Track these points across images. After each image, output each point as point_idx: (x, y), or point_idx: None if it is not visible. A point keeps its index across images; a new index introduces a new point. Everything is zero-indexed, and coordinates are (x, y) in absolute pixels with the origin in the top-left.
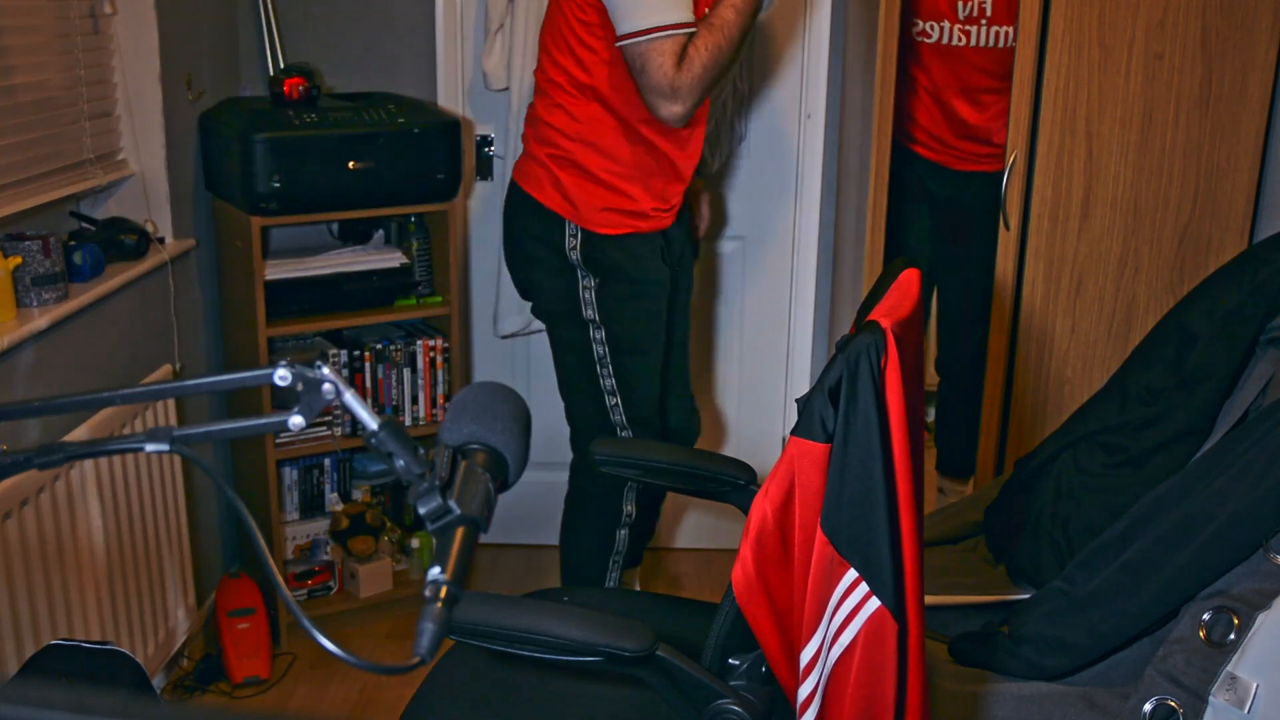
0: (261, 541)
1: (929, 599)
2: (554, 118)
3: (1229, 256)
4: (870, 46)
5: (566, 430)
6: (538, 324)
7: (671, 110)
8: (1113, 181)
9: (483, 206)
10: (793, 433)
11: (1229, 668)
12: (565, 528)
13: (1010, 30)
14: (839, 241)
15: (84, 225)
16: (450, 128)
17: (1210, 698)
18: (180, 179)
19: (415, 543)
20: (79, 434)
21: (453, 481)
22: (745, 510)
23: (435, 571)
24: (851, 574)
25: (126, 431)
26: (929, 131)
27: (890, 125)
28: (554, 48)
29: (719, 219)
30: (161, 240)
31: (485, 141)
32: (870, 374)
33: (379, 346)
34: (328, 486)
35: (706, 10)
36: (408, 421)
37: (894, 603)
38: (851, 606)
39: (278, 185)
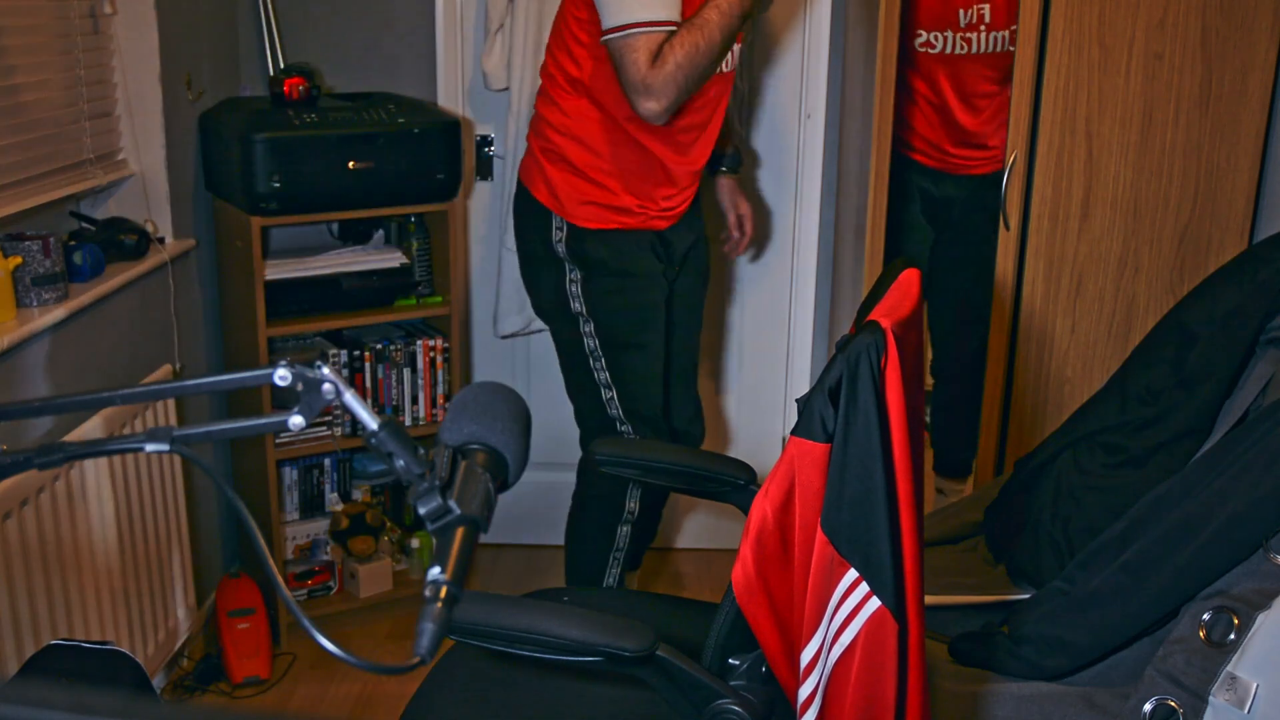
0: (261, 541)
1: (929, 599)
2: (547, 112)
3: (1229, 256)
4: (870, 53)
5: (567, 430)
6: (538, 324)
7: (647, 106)
8: (1113, 181)
9: (483, 206)
10: (793, 433)
11: (1229, 668)
12: (569, 524)
13: (1007, 34)
14: (839, 242)
15: (84, 225)
16: (450, 128)
17: (1210, 698)
18: (180, 179)
19: (415, 543)
20: (79, 434)
21: (453, 481)
22: (745, 510)
23: (435, 571)
24: (852, 574)
25: (126, 431)
26: (927, 140)
27: (890, 125)
28: (554, 43)
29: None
30: (161, 240)
31: (485, 141)
32: (870, 374)
33: (379, 346)
34: (328, 486)
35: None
36: (408, 421)
37: (894, 603)
38: (852, 606)
39: (278, 185)
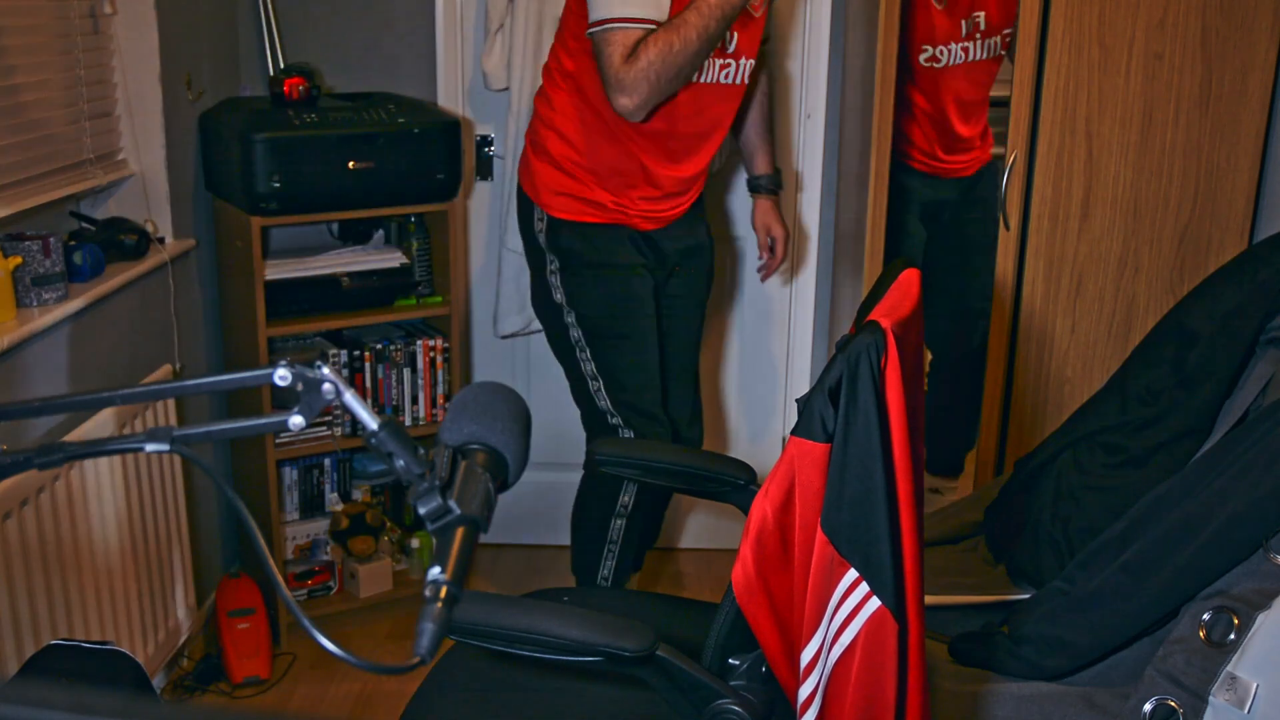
0: (261, 541)
1: (929, 599)
2: (540, 105)
3: (1229, 256)
4: (870, 53)
5: (567, 430)
6: (538, 324)
7: (620, 102)
8: (1113, 181)
9: (483, 206)
10: (793, 433)
11: (1229, 668)
12: (571, 517)
13: (998, 39)
14: (839, 242)
15: (84, 225)
16: (450, 128)
17: (1210, 698)
18: (180, 179)
19: (415, 543)
20: (79, 434)
21: (453, 481)
22: (745, 510)
23: (435, 571)
24: (852, 574)
25: (126, 431)
26: (923, 149)
27: (890, 124)
28: (557, 38)
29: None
30: (161, 240)
31: (485, 141)
32: (870, 374)
33: (379, 346)
34: (328, 486)
35: None
36: (408, 421)
37: (894, 603)
38: (852, 606)
39: (278, 185)
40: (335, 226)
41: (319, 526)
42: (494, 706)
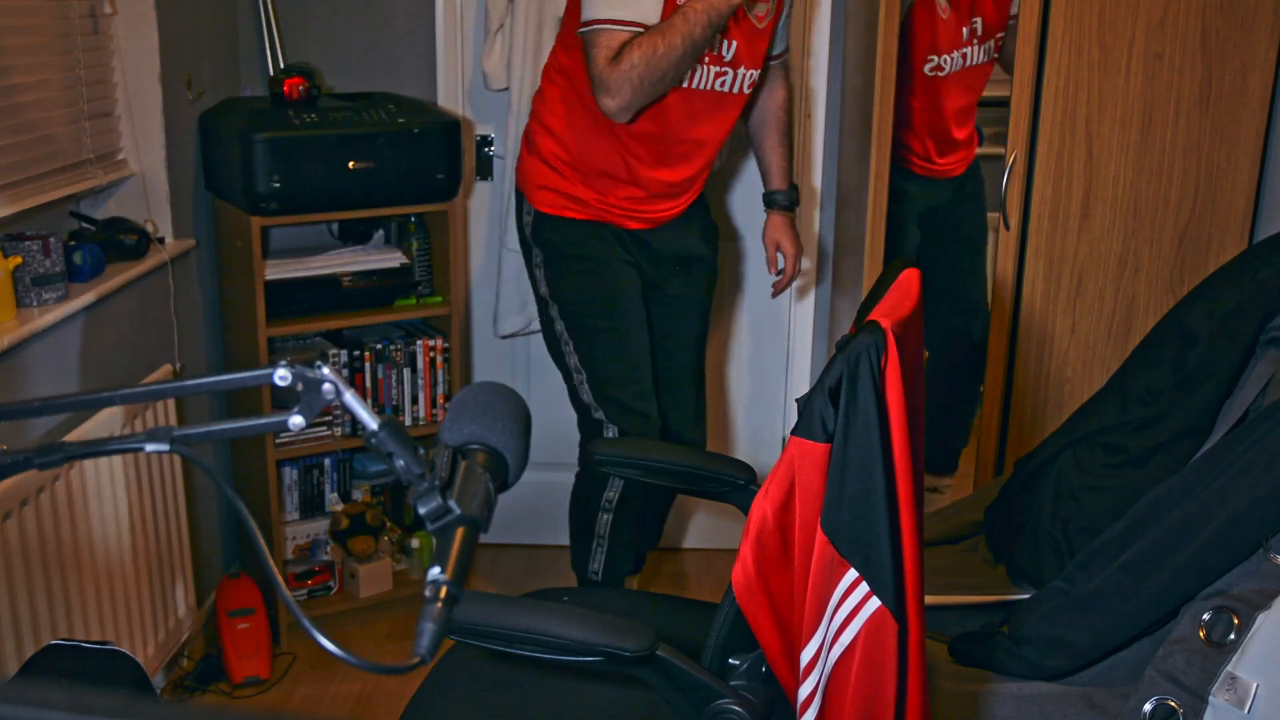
0: (261, 541)
1: (929, 599)
2: (536, 101)
3: (1229, 256)
4: (870, 53)
5: (567, 430)
6: (537, 324)
7: (604, 102)
8: (1113, 181)
9: (483, 206)
10: (793, 433)
11: (1229, 668)
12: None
13: (992, 43)
14: (839, 242)
15: (84, 225)
16: (450, 128)
17: (1210, 698)
18: (180, 179)
19: (415, 543)
20: (79, 434)
21: (453, 481)
22: (745, 510)
23: (435, 571)
24: (852, 574)
25: (126, 431)
26: (918, 153)
27: (890, 124)
28: (558, 35)
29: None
30: (161, 240)
31: (485, 141)
32: (870, 374)
33: (379, 346)
34: (328, 486)
35: None
36: (408, 421)
37: (894, 603)
38: (852, 606)
39: (278, 185)
40: (335, 226)
41: (319, 526)
42: (494, 706)
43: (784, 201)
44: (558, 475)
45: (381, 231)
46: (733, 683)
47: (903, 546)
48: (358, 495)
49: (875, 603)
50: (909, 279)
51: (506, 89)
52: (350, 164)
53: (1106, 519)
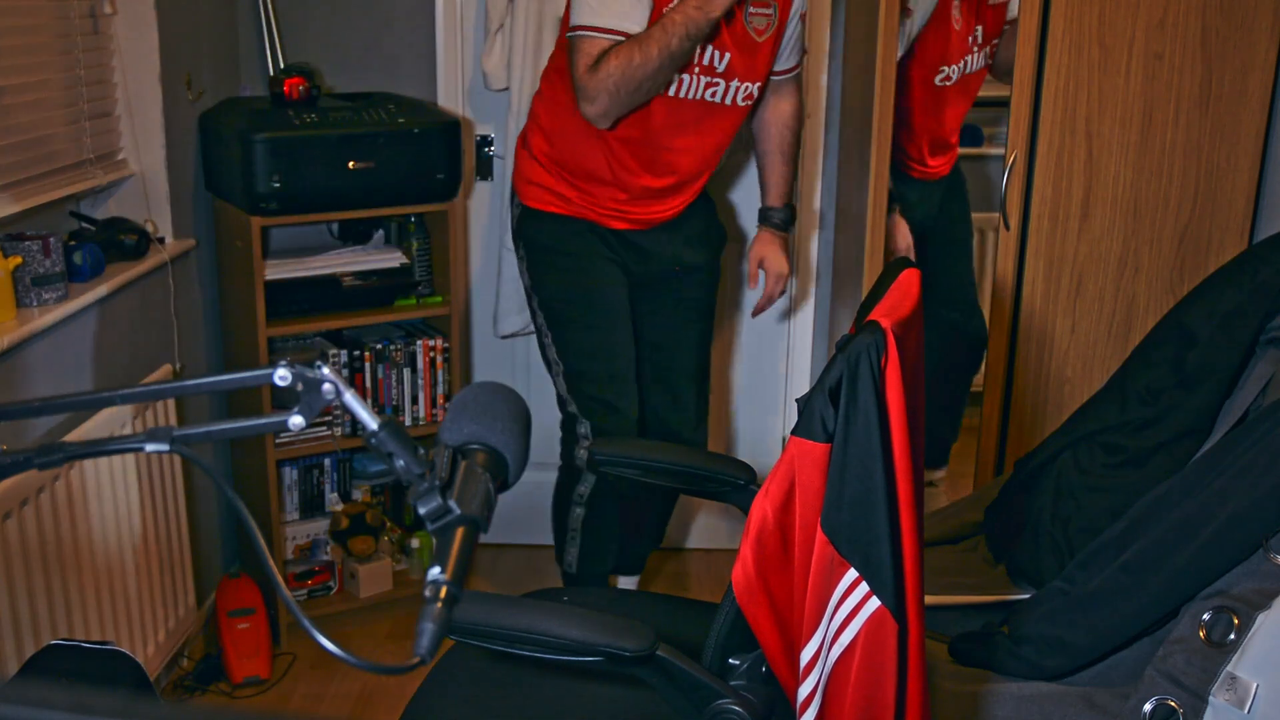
0: (261, 541)
1: (929, 599)
2: (534, 99)
3: (1229, 256)
4: (870, 53)
5: None
6: None
7: (584, 109)
8: (1113, 181)
9: (483, 206)
10: (793, 433)
11: (1229, 668)
12: None
13: (988, 49)
14: (839, 242)
15: (84, 225)
16: (450, 128)
17: (1210, 698)
18: (180, 179)
19: (415, 543)
20: (79, 434)
21: (453, 481)
22: (745, 510)
23: (435, 571)
24: (852, 574)
25: (126, 431)
26: (914, 158)
27: (890, 124)
28: (559, 35)
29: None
30: (161, 240)
31: (485, 141)
32: (870, 374)
33: (379, 346)
34: (328, 486)
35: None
36: (408, 421)
37: (894, 603)
38: (851, 606)
39: (278, 185)
40: (335, 226)
41: (319, 526)
42: (494, 706)
43: (775, 220)
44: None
45: (381, 231)
46: (733, 683)
47: (903, 546)
48: (358, 495)
49: (875, 603)
50: (909, 279)
51: (506, 89)
52: (350, 164)
53: (1106, 519)
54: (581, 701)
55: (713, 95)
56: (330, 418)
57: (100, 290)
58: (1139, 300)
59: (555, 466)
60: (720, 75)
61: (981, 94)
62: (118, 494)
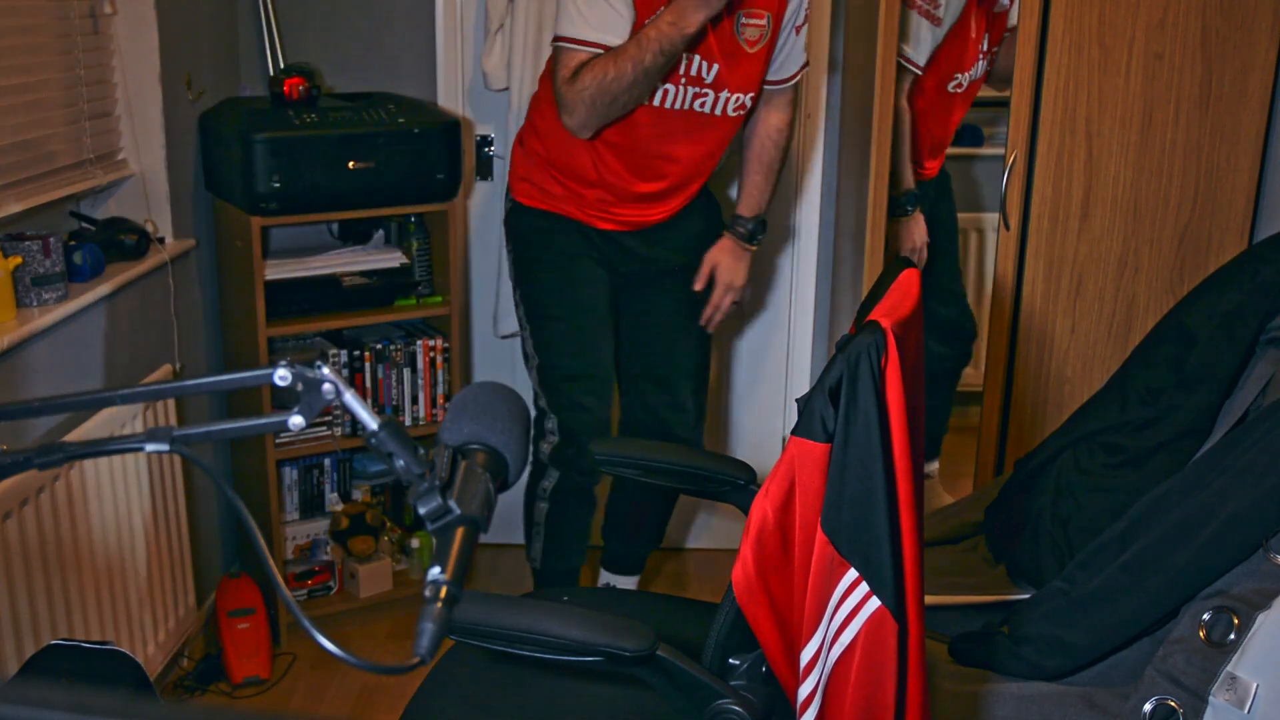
0: (261, 541)
1: (929, 599)
2: (532, 98)
3: (1229, 256)
4: (870, 53)
5: None
6: None
7: (564, 119)
8: (1113, 181)
9: (483, 206)
10: (793, 433)
11: (1229, 668)
12: None
13: (991, 55)
14: (839, 241)
15: (84, 225)
16: (450, 128)
17: (1210, 698)
18: (180, 179)
19: (415, 543)
20: (79, 434)
21: (453, 481)
22: (745, 510)
23: (435, 571)
24: (852, 574)
25: (126, 431)
26: (915, 161)
27: (890, 123)
28: None
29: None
30: (161, 240)
31: (485, 141)
32: (870, 374)
33: (379, 346)
34: (328, 486)
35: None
36: (408, 421)
37: (894, 603)
38: (851, 606)
39: (278, 185)
40: (335, 226)
41: (319, 526)
42: (494, 707)
43: (739, 229)
44: None
45: (381, 231)
46: (733, 683)
47: (903, 546)
48: (358, 495)
49: (875, 603)
50: (909, 279)
51: (506, 89)
52: (350, 164)
53: (1106, 519)
54: (581, 701)
55: (701, 105)
56: (330, 418)
57: (100, 290)
58: (1139, 300)
59: None
60: (709, 85)
61: (980, 94)
62: (118, 494)
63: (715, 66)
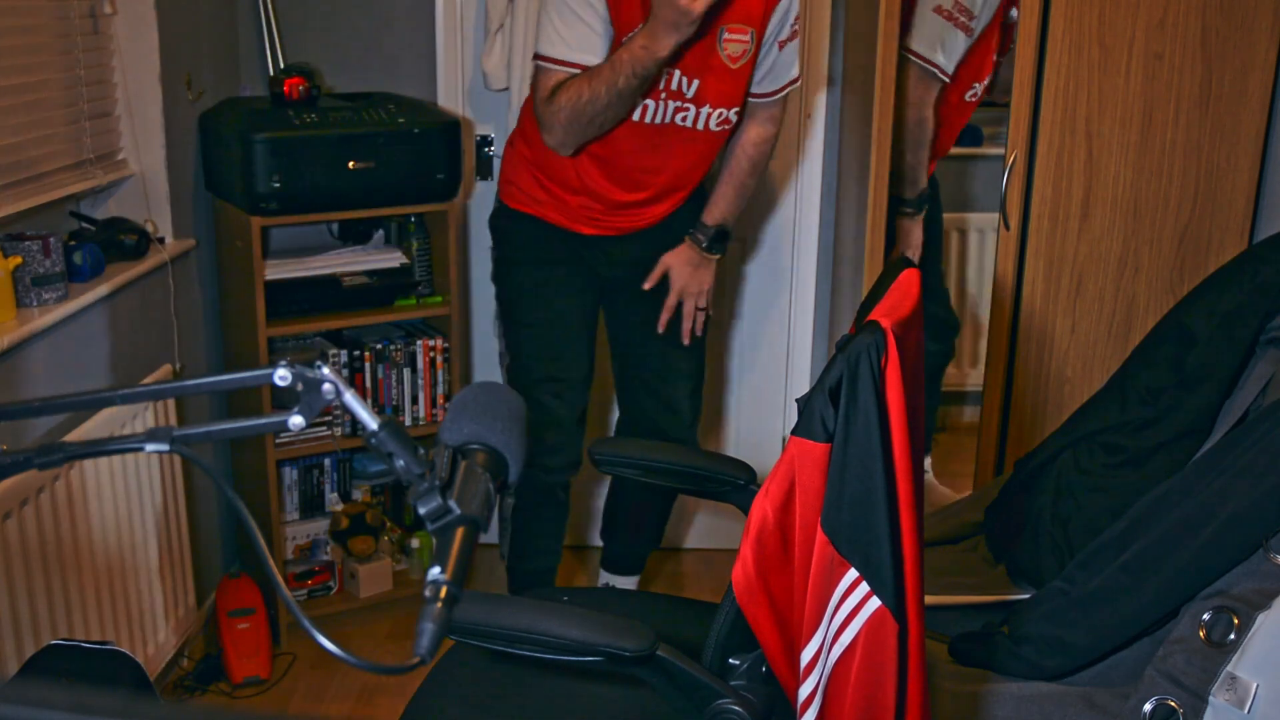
0: (261, 541)
1: (929, 599)
2: (525, 100)
3: (1229, 256)
4: (870, 53)
5: None
6: None
7: (544, 138)
8: (1113, 181)
9: (483, 206)
10: (793, 433)
11: (1229, 668)
12: None
13: (998, 64)
14: (839, 241)
15: (84, 225)
16: (450, 128)
17: (1210, 698)
18: (180, 179)
19: (415, 543)
20: (79, 434)
21: (453, 481)
22: (745, 510)
23: (435, 571)
24: (852, 574)
25: (126, 431)
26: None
27: (890, 123)
28: None
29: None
30: (161, 240)
31: (485, 141)
32: (870, 374)
33: (379, 346)
34: (328, 486)
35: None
36: (408, 421)
37: (894, 603)
38: (852, 606)
39: (278, 185)
40: (335, 226)
41: (319, 526)
42: (494, 706)
43: (698, 236)
44: None
45: (381, 231)
46: (733, 683)
47: (903, 546)
48: (358, 495)
49: (875, 603)
50: (909, 279)
51: (506, 89)
52: (350, 164)
53: (1106, 519)
54: (581, 701)
55: (683, 120)
56: (330, 418)
57: (100, 290)
58: (1139, 300)
59: None
60: (690, 100)
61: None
62: (118, 494)
63: (696, 82)
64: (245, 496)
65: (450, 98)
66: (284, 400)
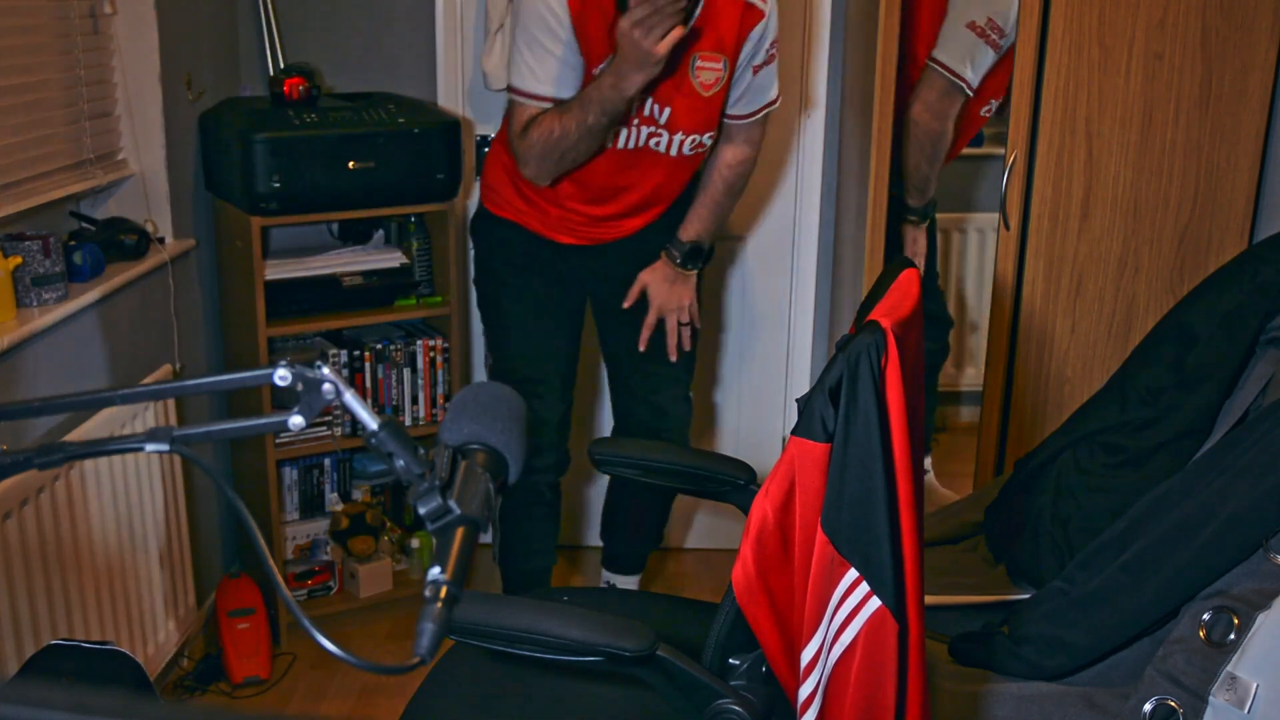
0: (261, 541)
1: (929, 599)
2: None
3: (1229, 256)
4: (870, 53)
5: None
6: None
7: (520, 169)
8: (1113, 181)
9: None
10: (793, 433)
11: (1229, 668)
12: None
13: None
14: (839, 241)
15: (84, 225)
16: (450, 128)
17: (1210, 698)
18: (180, 179)
19: (415, 543)
20: (79, 434)
21: (453, 481)
22: (745, 510)
23: (435, 571)
24: (852, 574)
25: (126, 431)
26: None
27: (890, 123)
28: None
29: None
30: (161, 240)
31: (485, 141)
32: (870, 374)
33: (379, 346)
34: (328, 486)
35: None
36: (408, 421)
37: (894, 603)
38: (852, 606)
39: (278, 185)
40: (335, 226)
41: (319, 526)
42: (494, 707)
43: (673, 251)
44: None
45: (381, 231)
46: (733, 683)
47: (903, 546)
48: (358, 495)
49: (875, 603)
50: (909, 279)
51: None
52: (350, 164)
53: (1106, 519)
54: (581, 701)
55: (656, 144)
56: (330, 418)
57: (100, 290)
58: (1139, 300)
59: None
60: (663, 126)
61: None
62: (118, 494)
63: (668, 109)
64: (245, 496)
65: (450, 98)
66: (284, 400)
